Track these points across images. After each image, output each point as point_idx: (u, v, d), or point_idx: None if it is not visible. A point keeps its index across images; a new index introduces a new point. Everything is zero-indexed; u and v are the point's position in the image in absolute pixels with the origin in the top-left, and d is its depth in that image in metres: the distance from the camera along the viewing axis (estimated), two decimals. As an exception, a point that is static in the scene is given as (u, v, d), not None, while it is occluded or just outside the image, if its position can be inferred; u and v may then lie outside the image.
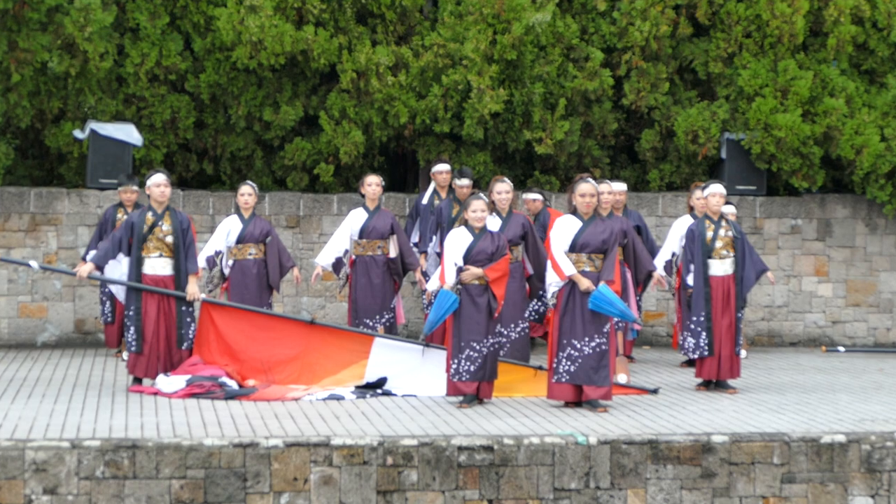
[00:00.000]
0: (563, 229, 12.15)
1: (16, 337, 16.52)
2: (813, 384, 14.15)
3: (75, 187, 16.96)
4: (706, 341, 13.30)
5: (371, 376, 12.97)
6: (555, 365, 12.13)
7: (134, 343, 12.78)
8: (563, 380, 12.10)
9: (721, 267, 13.43)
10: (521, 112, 17.10)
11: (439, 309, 12.23)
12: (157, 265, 12.88)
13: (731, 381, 13.52)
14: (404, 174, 18.34)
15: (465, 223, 12.43)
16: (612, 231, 12.15)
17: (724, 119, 17.40)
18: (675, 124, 17.41)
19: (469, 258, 12.27)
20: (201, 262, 14.20)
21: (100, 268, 12.95)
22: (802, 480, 10.93)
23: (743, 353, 14.16)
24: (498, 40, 16.71)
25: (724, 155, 17.43)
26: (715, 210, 13.51)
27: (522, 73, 16.98)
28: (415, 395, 12.77)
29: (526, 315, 13.99)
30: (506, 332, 13.54)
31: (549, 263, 12.19)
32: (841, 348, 17.52)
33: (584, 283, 12.02)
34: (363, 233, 14.73)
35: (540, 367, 12.98)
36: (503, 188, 13.92)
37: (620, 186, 14.91)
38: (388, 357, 13.01)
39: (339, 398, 12.53)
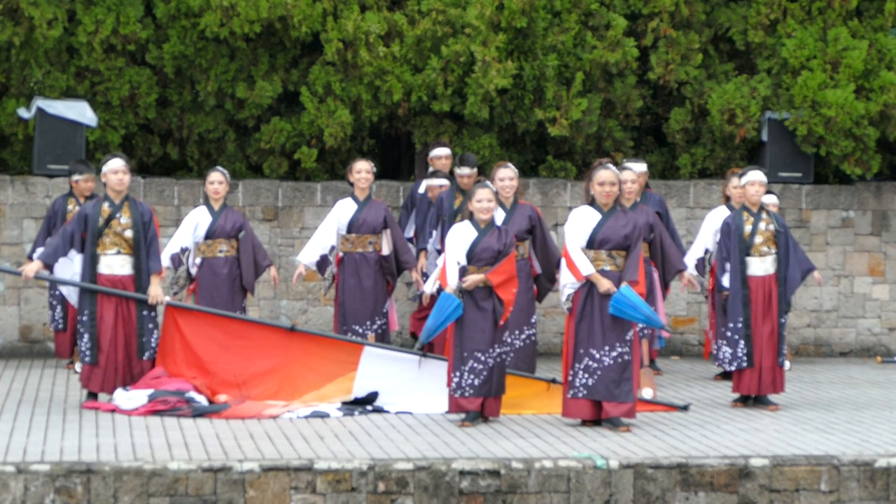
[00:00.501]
0: (580, 223, 12.18)
1: (-48, 346, 16.60)
2: (866, 400, 14.21)
3: (20, 174, 17.01)
4: (744, 351, 13.35)
5: (360, 391, 13.02)
6: (570, 378, 12.18)
7: (88, 353, 12.83)
8: (580, 395, 12.15)
9: (761, 266, 13.47)
10: (532, 88, 17.14)
11: (440, 314, 12.25)
12: (115, 263, 12.93)
13: (772, 397, 13.58)
14: (398, 159, 18.39)
15: (470, 216, 12.46)
16: (636, 225, 12.19)
17: (765, 96, 17.43)
18: (709, 102, 17.43)
19: (472, 257, 12.30)
20: (165, 260, 14.23)
21: (49, 266, 12.99)
22: (854, 510, 11.02)
23: (787, 364, 14.21)
24: (505, 5, 16.74)
25: (765, 137, 17.48)
26: (754, 200, 13.55)
27: (534, 44, 17.02)
28: (410, 413, 12.82)
29: (533, 321, 14.01)
30: (510, 340, 13.46)
31: (563, 262, 12.23)
32: (899, 359, 17.61)
33: (604, 285, 12.06)
34: (352, 227, 14.78)
35: (553, 381, 13.04)
36: (507, 174, 13.96)
37: (640, 167, 14.95)
38: (379, 369, 13.06)
39: (323, 416, 12.59)
